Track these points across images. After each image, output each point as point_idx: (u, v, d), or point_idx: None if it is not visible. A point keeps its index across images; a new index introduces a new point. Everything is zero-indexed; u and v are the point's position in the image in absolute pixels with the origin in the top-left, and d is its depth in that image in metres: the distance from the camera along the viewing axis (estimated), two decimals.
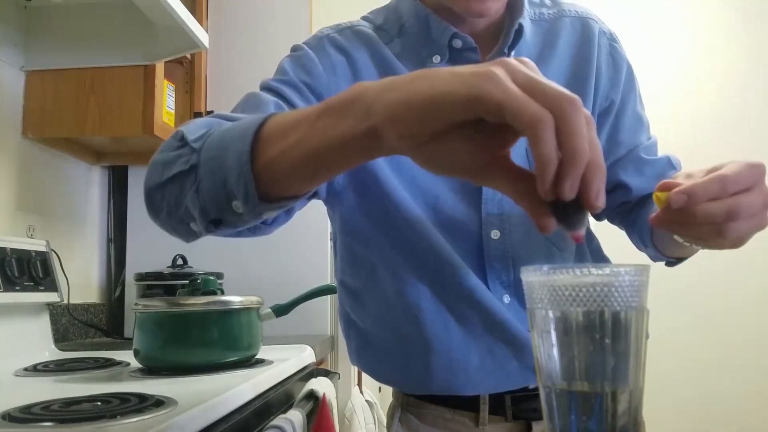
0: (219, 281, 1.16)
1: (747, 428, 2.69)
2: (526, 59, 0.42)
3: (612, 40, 0.91)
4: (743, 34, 2.89)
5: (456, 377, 0.81)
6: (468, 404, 0.84)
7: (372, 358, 0.90)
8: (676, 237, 0.71)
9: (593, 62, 0.88)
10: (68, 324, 1.60)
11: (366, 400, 1.83)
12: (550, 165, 0.39)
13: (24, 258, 1.28)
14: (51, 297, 1.34)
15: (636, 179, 0.90)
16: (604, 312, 0.40)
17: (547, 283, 0.42)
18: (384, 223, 0.83)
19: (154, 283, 1.62)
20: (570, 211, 0.42)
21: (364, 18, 0.91)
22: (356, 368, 1.81)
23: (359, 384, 1.86)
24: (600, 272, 0.41)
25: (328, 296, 1.68)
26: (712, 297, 2.75)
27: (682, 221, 0.59)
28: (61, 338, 1.54)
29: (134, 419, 0.65)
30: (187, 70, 1.85)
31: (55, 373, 1.07)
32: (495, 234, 0.82)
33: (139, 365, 1.06)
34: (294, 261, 1.81)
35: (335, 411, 1.19)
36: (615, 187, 0.90)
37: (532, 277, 0.43)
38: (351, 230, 0.86)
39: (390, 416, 0.93)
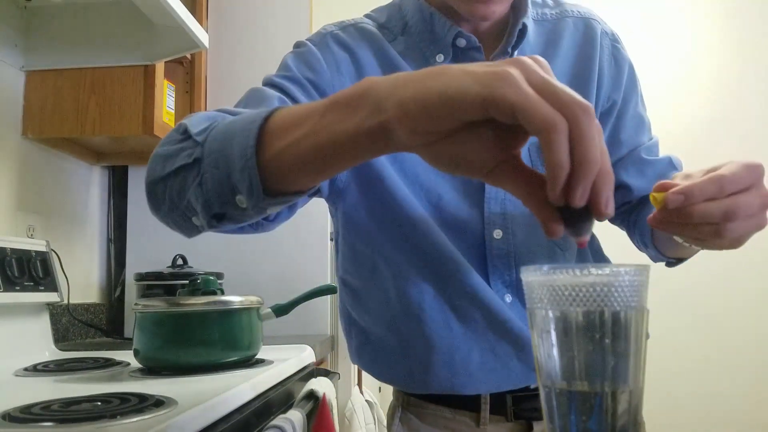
0: (219, 281, 1.16)
1: (747, 428, 2.69)
2: (540, 58, 0.42)
3: (614, 40, 0.91)
4: (744, 35, 2.89)
5: (457, 376, 0.81)
6: (469, 404, 0.84)
7: (373, 357, 0.90)
8: (675, 237, 0.71)
9: (596, 62, 0.88)
10: (68, 324, 1.60)
11: (366, 400, 1.83)
12: (563, 171, 0.39)
13: (24, 258, 1.28)
14: (51, 297, 1.34)
15: (637, 180, 0.90)
16: (604, 312, 0.40)
17: (547, 282, 0.42)
18: (386, 221, 0.83)
19: (154, 283, 1.62)
20: (578, 218, 0.42)
21: (366, 16, 0.91)
22: (356, 368, 1.81)
23: (359, 384, 1.86)
24: (600, 272, 0.41)
25: (328, 296, 1.68)
26: (712, 297, 2.75)
27: (680, 222, 0.59)
28: (61, 338, 1.54)
29: (134, 419, 0.65)
30: (187, 70, 1.85)
31: (55, 373, 1.07)
32: (497, 233, 0.82)
33: (139, 365, 1.06)
34: (294, 261, 1.80)
35: (335, 411, 1.19)
36: (616, 188, 0.90)
37: (532, 276, 0.43)
38: (353, 228, 0.86)
39: (390, 416, 0.93)
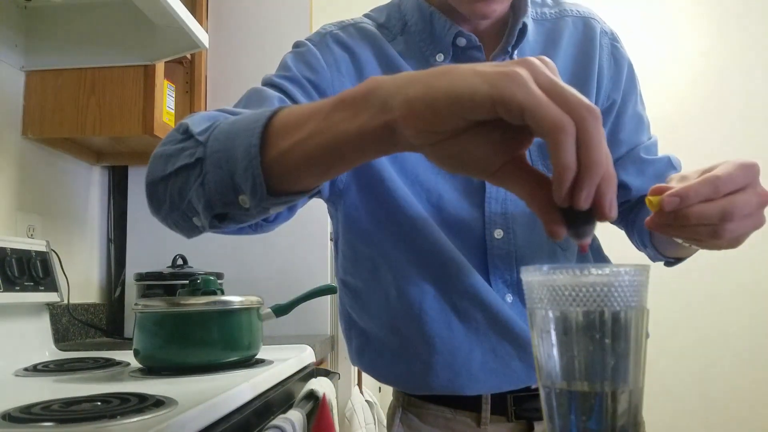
0: (219, 281, 1.16)
1: (747, 428, 2.69)
2: (547, 59, 0.42)
3: (613, 39, 0.91)
4: (744, 35, 2.89)
5: (459, 376, 0.81)
6: (469, 404, 0.84)
7: (373, 358, 0.89)
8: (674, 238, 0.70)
9: (595, 62, 0.88)
10: (68, 324, 1.60)
11: (366, 400, 1.83)
12: (569, 172, 0.39)
13: (24, 258, 1.28)
14: (51, 297, 1.34)
15: (636, 179, 0.90)
16: (603, 312, 0.40)
17: (547, 282, 0.42)
18: (387, 221, 0.82)
19: (154, 283, 1.62)
20: (581, 220, 0.42)
21: (366, 16, 0.91)
22: (356, 368, 1.81)
23: (359, 384, 1.86)
24: (600, 272, 0.41)
25: (328, 296, 1.68)
26: (712, 297, 2.75)
27: (677, 224, 0.58)
28: (61, 338, 1.54)
29: (134, 419, 0.65)
30: (187, 70, 1.85)
31: (55, 373, 1.07)
32: (498, 233, 0.82)
33: (139, 365, 1.06)
34: (294, 261, 1.80)
35: (335, 411, 1.19)
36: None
37: (532, 276, 0.43)
38: (353, 228, 0.86)
39: (390, 416, 0.93)
